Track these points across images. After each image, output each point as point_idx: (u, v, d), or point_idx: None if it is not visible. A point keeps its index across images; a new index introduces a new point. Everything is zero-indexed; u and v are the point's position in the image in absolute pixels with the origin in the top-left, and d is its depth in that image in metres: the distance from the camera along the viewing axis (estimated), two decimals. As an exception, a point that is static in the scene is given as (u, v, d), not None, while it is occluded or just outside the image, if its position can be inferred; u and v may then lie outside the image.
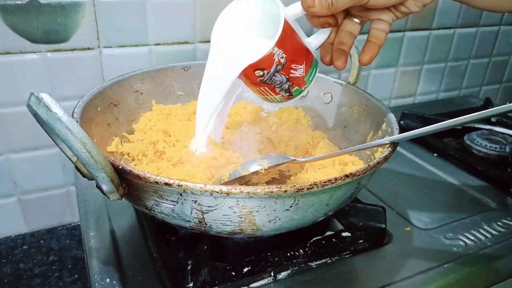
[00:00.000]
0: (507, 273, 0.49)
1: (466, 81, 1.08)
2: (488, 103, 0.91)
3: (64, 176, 0.69)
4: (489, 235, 0.52)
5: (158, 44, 0.68)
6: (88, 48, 0.63)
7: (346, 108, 0.60)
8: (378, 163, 0.39)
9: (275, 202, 0.36)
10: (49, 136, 0.35)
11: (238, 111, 0.62)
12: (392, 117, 0.50)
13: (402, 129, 0.81)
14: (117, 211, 0.52)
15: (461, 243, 0.50)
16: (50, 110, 0.30)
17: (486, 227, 0.53)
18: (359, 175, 0.37)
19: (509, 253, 0.49)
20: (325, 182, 0.35)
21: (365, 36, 0.47)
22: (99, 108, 0.50)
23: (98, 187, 0.35)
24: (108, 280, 0.41)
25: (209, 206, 0.36)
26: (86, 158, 0.31)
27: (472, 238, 0.51)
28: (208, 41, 0.70)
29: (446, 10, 0.93)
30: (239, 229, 0.38)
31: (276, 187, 0.34)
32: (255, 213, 0.36)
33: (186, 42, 0.70)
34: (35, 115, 0.31)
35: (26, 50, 0.59)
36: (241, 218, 0.37)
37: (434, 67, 1.00)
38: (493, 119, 0.89)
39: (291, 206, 0.37)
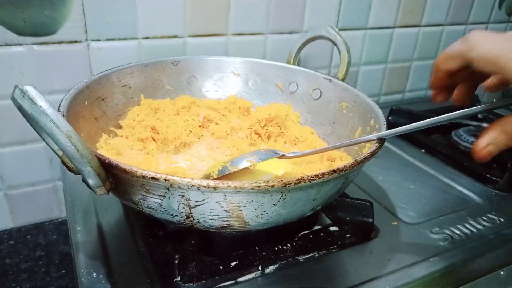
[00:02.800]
0: (491, 267, 0.50)
1: (455, 78, 1.09)
2: (475, 100, 0.92)
3: (51, 170, 0.68)
4: (474, 230, 0.53)
5: (147, 38, 0.67)
6: (76, 41, 0.62)
7: (335, 104, 0.60)
8: (365, 158, 0.39)
9: (262, 197, 0.36)
10: (35, 129, 0.35)
11: (227, 106, 0.62)
12: (380, 113, 0.51)
13: (391, 125, 0.82)
14: (105, 205, 0.52)
15: (447, 237, 0.51)
16: (35, 103, 0.29)
17: (471, 222, 0.54)
18: (346, 170, 0.37)
19: (493, 248, 0.50)
20: (313, 177, 0.35)
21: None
22: (86, 102, 0.49)
23: (84, 181, 0.35)
24: (94, 274, 0.41)
25: (196, 201, 0.36)
26: (71, 152, 0.31)
27: (458, 232, 0.52)
28: (198, 36, 0.71)
29: (435, 7, 0.93)
30: (227, 224, 0.38)
31: (264, 182, 0.34)
32: (243, 208, 0.36)
33: (175, 36, 0.69)
34: (20, 108, 0.30)
35: (12, 42, 0.58)
36: (229, 212, 0.37)
37: (423, 64, 1.01)
38: (480, 116, 0.90)
39: (279, 200, 0.37)
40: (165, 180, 0.33)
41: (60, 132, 0.30)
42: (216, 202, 0.35)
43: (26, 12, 0.57)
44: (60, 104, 0.43)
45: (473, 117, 0.90)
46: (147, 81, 0.60)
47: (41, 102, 0.29)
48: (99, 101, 0.52)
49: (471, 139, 0.75)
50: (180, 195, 0.35)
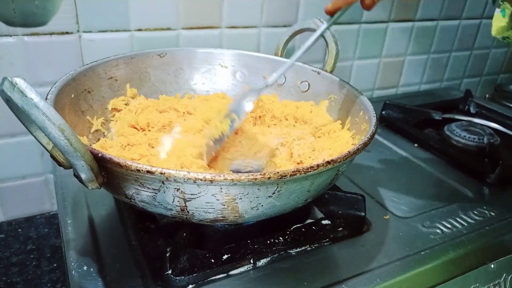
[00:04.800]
0: (481, 260, 0.50)
1: (448, 73, 1.09)
2: (468, 95, 0.92)
3: (42, 163, 0.67)
4: (465, 224, 0.53)
5: (139, 29, 0.66)
6: (67, 33, 0.61)
7: (323, 96, 0.60)
8: (357, 150, 0.40)
9: (258, 189, 0.36)
10: (22, 123, 0.34)
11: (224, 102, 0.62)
12: (369, 104, 0.50)
13: (383, 119, 0.82)
14: (96, 198, 0.51)
15: (438, 231, 0.51)
16: (26, 96, 0.29)
17: (462, 216, 0.55)
18: (340, 161, 0.37)
19: (484, 241, 0.51)
20: (308, 169, 0.35)
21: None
22: (72, 95, 0.48)
23: (76, 175, 0.34)
24: (85, 267, 0.41)
25: (192, 194, 0.35)
26: (64, 145, 0.31)
27: (449, 226, 0.52)
28: (191, 28, 0.70)
29: (429, 2, 0.93)
30: (222, 217, 0.38)
31: (260, 174, 0.34)
32: (238, 200, 0.36)
33: (168, 29, 0.68)
34: (8, 101, 0.29)
35: (2, 33, 0.57)
36: (224, 205, 0.37)
37: (416, 59, 1.01)
38: (472, 111, 0.90)
39: (274, 192, 0.37)
40: (161, 173, 0.33)
41: (53, 125, 0.30)
42: (212, 195, 0.35)
43: (16, 1, 0.56)
44: (47, 97, 0.42)
45: (466, 112, 0.91)
46: (133, 73, 0.59)
47: (32, 94, 0.29)
48: (85, 94, 0.51)
49: (463, 134, 0.75)
50: (175, 188, 0.35)
